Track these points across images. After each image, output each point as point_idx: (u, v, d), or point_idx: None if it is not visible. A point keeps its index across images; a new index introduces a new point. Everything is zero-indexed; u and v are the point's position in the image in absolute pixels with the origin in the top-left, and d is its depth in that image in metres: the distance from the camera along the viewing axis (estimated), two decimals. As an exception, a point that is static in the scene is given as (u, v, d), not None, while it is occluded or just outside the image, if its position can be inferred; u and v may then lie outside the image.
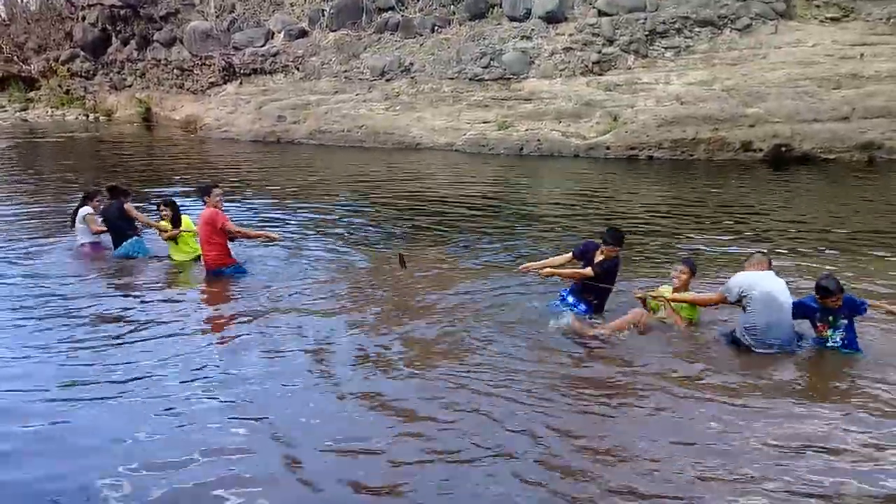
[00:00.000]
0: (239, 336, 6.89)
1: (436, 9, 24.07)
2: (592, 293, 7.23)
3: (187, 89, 27.80)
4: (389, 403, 5.47)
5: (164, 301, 7.90)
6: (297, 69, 24.95)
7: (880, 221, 11.35)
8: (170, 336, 6.81)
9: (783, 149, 16.72)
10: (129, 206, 9.78)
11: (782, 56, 18.88)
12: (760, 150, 16.90)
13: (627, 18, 20.76)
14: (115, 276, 8.93)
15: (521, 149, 18.86)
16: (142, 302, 7.82)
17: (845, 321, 6.31)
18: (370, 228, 11.24)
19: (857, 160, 16.22)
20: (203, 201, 8.81)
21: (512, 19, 22.44)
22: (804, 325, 6.53)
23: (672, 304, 6.90)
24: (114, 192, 9.93)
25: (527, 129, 19.26)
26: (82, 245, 9.91)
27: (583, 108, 19.19)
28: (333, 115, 22.20)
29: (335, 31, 25.28)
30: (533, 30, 21.81)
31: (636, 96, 19.00)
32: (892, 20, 19.06)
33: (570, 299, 7.37)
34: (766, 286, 6.36)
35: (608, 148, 18.00)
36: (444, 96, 21.59)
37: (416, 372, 6.03)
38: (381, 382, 5.85)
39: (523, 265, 7.69)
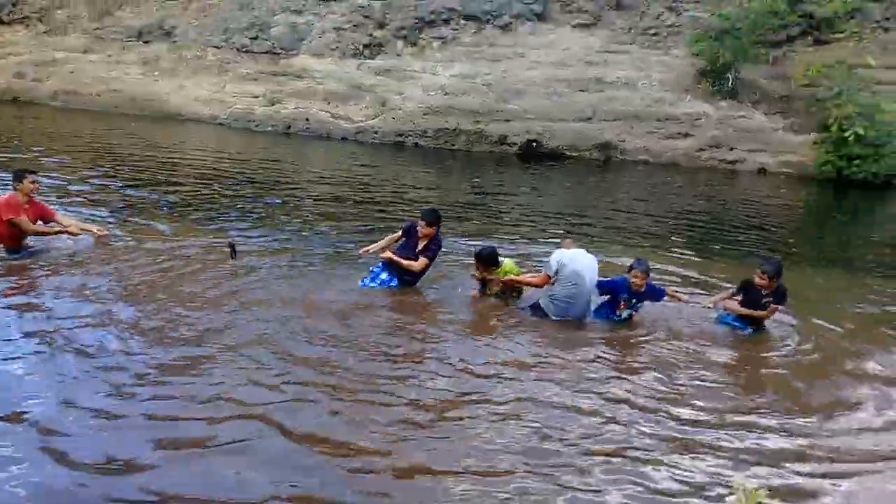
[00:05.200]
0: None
1: (202, -29, 22.93)
2: (408, 272, 7.64)
3: None
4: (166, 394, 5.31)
5: None
6: (41, 21, 22.61)
7: (613, 213, 12.74)
8: None
9: (534, 144, 18.06)
10: None
11: (538, 56, 20.29)
12: (514, 144, 18.11)
13: (398, 4, 21.15)
14: None
15: (290, 127, 18.66)
16: None
17: (640, 305, 7.34)
18: (135, 203, 10.58)
19: (595, 158, 17.93)
20: (14, 188, 7.62)
21: (283, -8, 21.97)
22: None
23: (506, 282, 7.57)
24: None
25: (295, 107, 19.07)
26: None
27: (353, 91, 19.37)
28: (82, 75, 20.48)
29: (87, -17, 23.23)
30: (304, 5, 21.54)
31: (404, 83, 19.50)
32: (632, 31, 21.16)
33: (384, 276, 7.70)
34: (577, 264, 7.19)
35: (376, 133, 18.34)
36: (208, 65, 20.74)
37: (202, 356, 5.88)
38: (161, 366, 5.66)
39: (363, 248, 7.95)
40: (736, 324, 7.38)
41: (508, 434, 5.11)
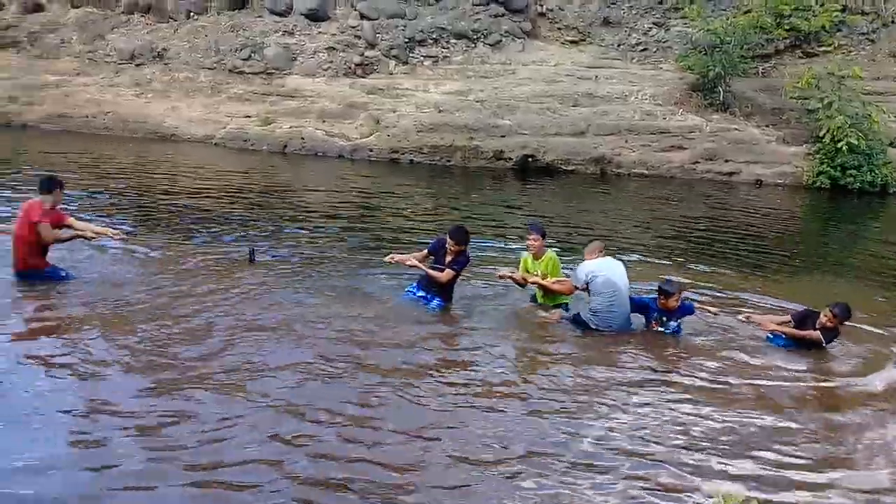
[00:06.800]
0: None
1: (192, -6, 22.98)
2: (440, 286, 7.76)
3: None
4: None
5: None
6: (32, 45, 22.50)
7: (616, 226, 12.82)
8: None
9: (530, 159, 18.11)
10: None
11: (529, 73, 20.41)
12: (510, 159, 18.14)
13: (388, 24, 21.26)
14: None
15: (285, 146, 18.64)
16: None
17: (675, 323, 7.32)
18: (155, 223, 10.67)
19: (591, 172, 17.99)
20: (44, 196, 7.56)
21: (273, 13, 22.04)
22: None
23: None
24: None
25: (290, 127, 19.05)
26: None
27: (346, 109, 19.37)
28: (75, 98, 20.38)
29: (77, 7, 23.20)
30: (295, 26, 21.60)
31: (398, 101, 19.53)
32: (621, 46, 21.38)
33: (421, 293, 7.83)
34: (608, 273, 7.21)
35: (371, 150, 18.36)
36: (201, 86, 20.67)
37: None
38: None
39: (390, 256, 8.04)
40: (783, 344, 7.32)
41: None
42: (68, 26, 22.69)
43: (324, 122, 19.16)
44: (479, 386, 5.98)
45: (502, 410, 5.61)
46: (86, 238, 7.95)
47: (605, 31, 21.76)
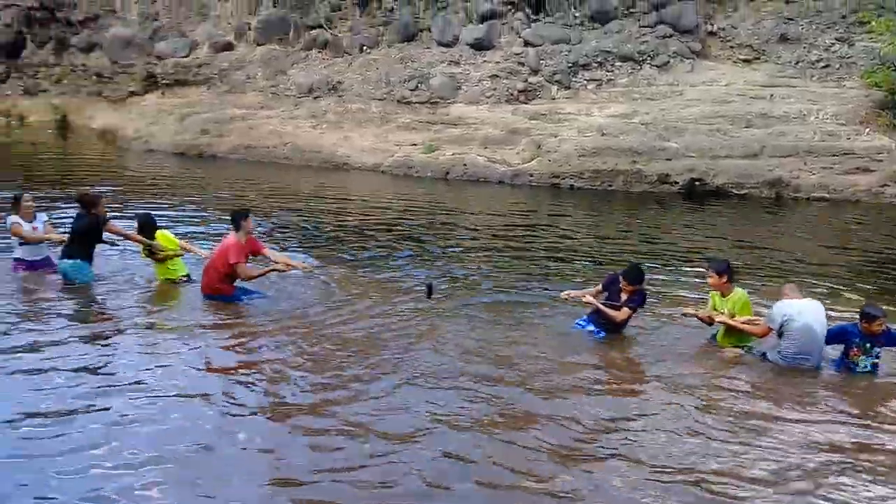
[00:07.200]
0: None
1: (364, 29, 24.22)
2: (614, 324, 7.68)
3: (106, 97, 26.93)
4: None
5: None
6: (222, 82, 24.59)
7: (801, 254, 12.11)
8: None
9: (697, 182, 17.43)
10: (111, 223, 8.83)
11: (697, 93, 19.72)
12: (676, 183, 17.55)
13: (552, 50, 21.34)
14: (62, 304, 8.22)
15: (448, 173, 19.08)
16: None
17: (879, 350, 6.78)
18: (348, 249, 11.29)
19: (765, 196, 17.02)
20: (236, 229, 8.20)
21: (440, 44, 22.77)
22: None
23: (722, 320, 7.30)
24: (87, 202, 8.67)
25: (453, 154, 19.49)
26: (17, 263, 8.90)
27: (508, 136, 19.56)
28: (259, 130, 21.97)
29: (262, 45, 25.09)
30: (461, 56, 22.18)
31: (560, 126, 19.49)
32: (799, 64, 20.23)
33: (591, 327, 7.75)
34: (807, 317, 6.78)
35: (532, 175, 18.40)
36: (371, 117, 21.65)
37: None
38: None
39: (565, 292, 8.01)
40: None
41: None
42: (254, 63, 24.57)
43: (486, 148, 19.43)
44: (654, 449, 5.56)
45: (682, 471, 5.25)
46: (279, 271, 8.34)
47: (782, 49, 20.69)
